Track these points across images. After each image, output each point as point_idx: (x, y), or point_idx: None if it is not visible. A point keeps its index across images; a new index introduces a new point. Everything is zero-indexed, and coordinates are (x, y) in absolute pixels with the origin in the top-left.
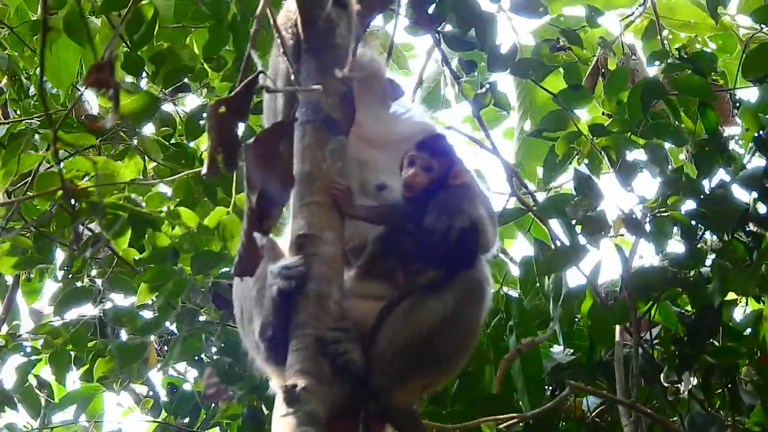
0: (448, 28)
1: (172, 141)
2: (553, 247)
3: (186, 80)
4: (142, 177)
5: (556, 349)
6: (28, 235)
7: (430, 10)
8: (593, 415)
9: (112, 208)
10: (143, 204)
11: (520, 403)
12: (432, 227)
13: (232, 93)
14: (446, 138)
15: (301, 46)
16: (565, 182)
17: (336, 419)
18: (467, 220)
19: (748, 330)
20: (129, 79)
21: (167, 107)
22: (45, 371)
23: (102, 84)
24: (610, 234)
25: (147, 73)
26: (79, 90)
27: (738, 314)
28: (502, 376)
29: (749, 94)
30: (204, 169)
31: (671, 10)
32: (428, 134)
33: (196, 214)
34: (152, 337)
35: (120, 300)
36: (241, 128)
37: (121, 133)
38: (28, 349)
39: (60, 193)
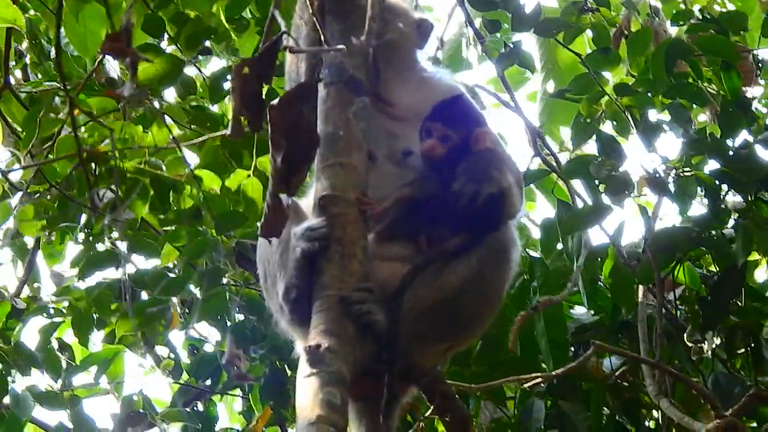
0: None
1: (195, 104)
2: (575, 207)
3: (208, 44)
4: (168, 144)
5: (579, 310)
6: (50, 198)
7: None
8: (615, 375)
9: (132, 173)
10: (164, 168)
11: (543, 365)
12: (459, 193)
13: (256, 54)
14: (462, 102)
15: (325, 8)
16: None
17: (359, 379)
18: (495, 186)
19: None
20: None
21: (190, 71)
22: (66, 334)
23: (118, 53)
24: (634, 194)
25: (169, 35)
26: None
27: (761, 276)
28: (517, 332)
29: None
30: (229, 131)
31: None
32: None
33: (218, 177)
34: (174, 300)
35: (142, 263)
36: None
37: (145, 100)
38: (51, 311)
39: (77, 158)
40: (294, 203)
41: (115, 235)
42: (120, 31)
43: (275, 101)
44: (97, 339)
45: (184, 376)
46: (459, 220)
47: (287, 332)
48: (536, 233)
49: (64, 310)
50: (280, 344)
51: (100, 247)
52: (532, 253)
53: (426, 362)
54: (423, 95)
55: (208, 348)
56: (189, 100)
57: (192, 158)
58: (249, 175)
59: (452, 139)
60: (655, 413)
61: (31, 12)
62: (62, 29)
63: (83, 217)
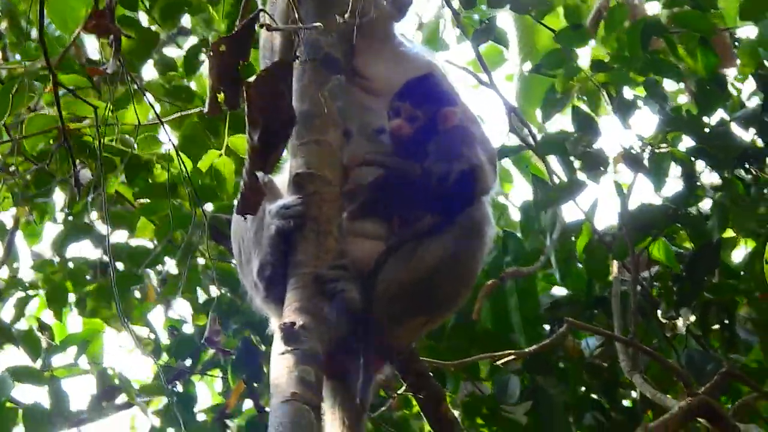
0: None
1: (174, 84)
2: (551, 184)
3: (185, 20)
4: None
5: (555, 290)
6: (28, 176)
7: None
8: (593, 355)
9: (105, 152)
10: (135, 146)
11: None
12: (430, 172)
13: (233, 31)
14: (431, 80)
15: None
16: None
17: (334, 357)
18: (466, 163)
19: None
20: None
21: (170, 52)
22: (45, 315)
23: (102, 30)
24: (609, 170)
25: (144, 8)
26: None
27: (737, 257)
28: (482, 301)
29: (749, 32)
30: (206, 108)
31: None
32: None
33: (188, 158)
34: (152, 277)
35: (120, 238)
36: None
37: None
38: (27, 285)
39: (54, 132)
40: (269, 181)
41: (94, 215)
42: (104, 8)
43: (252, 78)
44: (77, 321)
45: (164, 358)
46: (431, 199)
47: (261, 309)
48: (514, 213)
49: (40, 284)
50: (254, 319)
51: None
52: (507, 230)
53: (401, 338)
54: (399, 70)
55: (188, 329)
56: (168, 77)
57: (170, 133)
58: (221, 155)
59: (419, 119)
60: (633, 393)
61: None
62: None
63: (60, 195)
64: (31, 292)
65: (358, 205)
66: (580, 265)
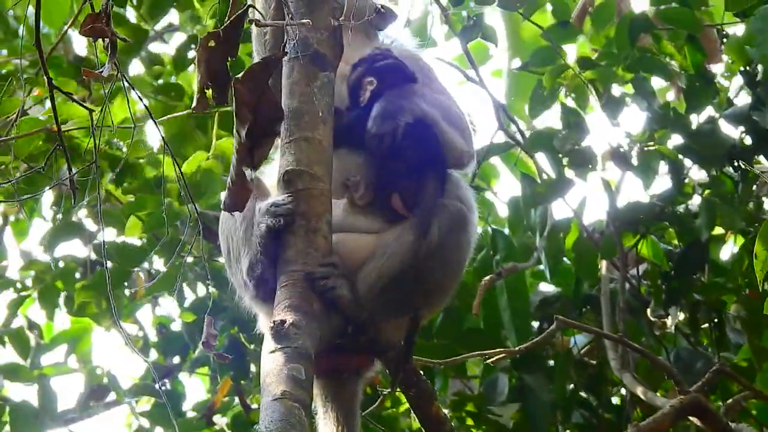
0: None
1: (161, 81)
2: (539, 181)
3: (173, 16)
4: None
5: (544, 288)
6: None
7: None
8: (582, 352)
9: (89, 154)
10: (124, 149)
11: (507, 339)
12: (380, 135)
13: (222, 27)
14: (381, 56)
15: None
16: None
17: (324, 355)
18: (409, 115)
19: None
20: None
21: (158, 48)
22: (33, 313)
23: (98, 34)
24: (598, 167)
25: (132, 4)
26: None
27: (724, 254)
28: (480, 299)
29: (736, 30)
30: (194, 104)
31: None
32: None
33: (177, 156)
34: (141, 274)
35: (110, 237)
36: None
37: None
38: (18, 286)
39: (42, 136)
40: (257, 178)
41: (82, 213)
42: (99, 11)
43: (241, 74)
44: (65, 319)
45: (153, 355)
46: (408, 165)
47: (251, 308)
48: (501, 210)
49: (30, 283)
50: (240, 316)
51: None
52: (495, 227)
53: (390, 335)
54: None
55: (176, 326)
56: (154, 72)
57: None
58: (207, 158)
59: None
60: (623, 391)
61: None
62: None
63: (48, 193)
64: (23, 294)
65: (364, 190)
66: (567, 261)
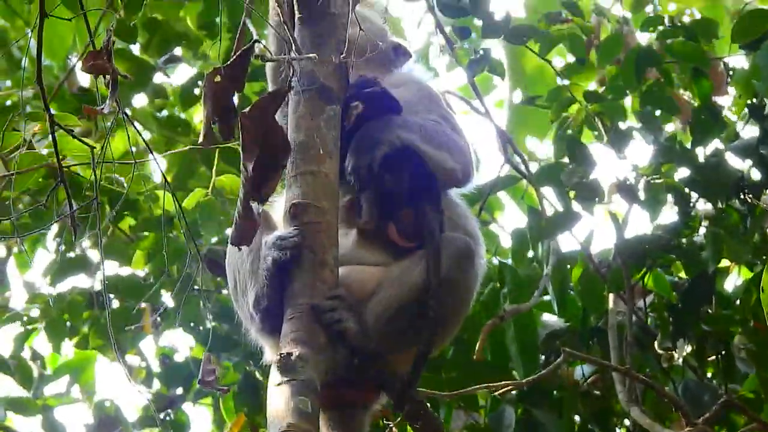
0: None
1: (165, 113)
2: (545, 215)
3: (178, 52)
4: (134, 150)
5: (550, 318)
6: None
7: None
8: (586, 383)
9: (90, 190)
10: (125, 185)
11: (514, 372)
12: (355, 168)
13: (229, 62)
14: (364, 85)
15: (295, 15)
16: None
17: (331, 388)
18: (386, 146)
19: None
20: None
21: (159, 78)
22: (38, 343)
23: (100, 70)
24: (604, 201)
25: (140, 42)
26: (71, 61)
27: (729, 285)
28: (483, 342)
29: (742, 62)
30: (200, 139)
31: None
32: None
33: (182, 191)
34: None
35: (114, 269)
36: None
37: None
38: (24, 319)
39: (42, 171)
40: (264, 212)
41: (86, 243)
42: (101, 47)
43: (247, 108)
44: (68, 348)
45: (156, 386)
46: (397, 195)
47: (257, 340)
48: (506, 241)
49: (37, 318)
50: (253, 351)
51: (72, 254)
52: (502, 260)
53: (398, 367)
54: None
55: (179, 357)
56: (158, 104)
57: (162, 164)
58: (207, 194)
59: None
60: (626, 421)
61: (0, 21)
62: (31, 35)
63: (55, 227)
64: (29, 327)
65: (367, 214)
66: (572, 292)
